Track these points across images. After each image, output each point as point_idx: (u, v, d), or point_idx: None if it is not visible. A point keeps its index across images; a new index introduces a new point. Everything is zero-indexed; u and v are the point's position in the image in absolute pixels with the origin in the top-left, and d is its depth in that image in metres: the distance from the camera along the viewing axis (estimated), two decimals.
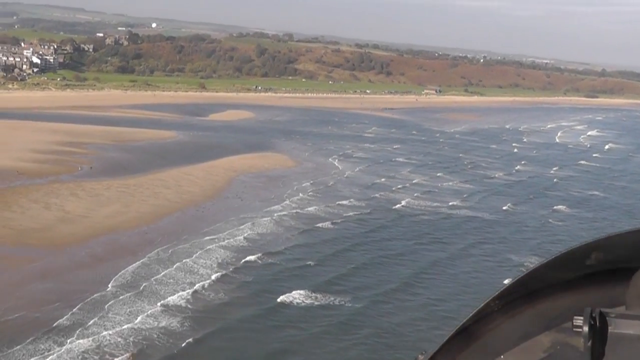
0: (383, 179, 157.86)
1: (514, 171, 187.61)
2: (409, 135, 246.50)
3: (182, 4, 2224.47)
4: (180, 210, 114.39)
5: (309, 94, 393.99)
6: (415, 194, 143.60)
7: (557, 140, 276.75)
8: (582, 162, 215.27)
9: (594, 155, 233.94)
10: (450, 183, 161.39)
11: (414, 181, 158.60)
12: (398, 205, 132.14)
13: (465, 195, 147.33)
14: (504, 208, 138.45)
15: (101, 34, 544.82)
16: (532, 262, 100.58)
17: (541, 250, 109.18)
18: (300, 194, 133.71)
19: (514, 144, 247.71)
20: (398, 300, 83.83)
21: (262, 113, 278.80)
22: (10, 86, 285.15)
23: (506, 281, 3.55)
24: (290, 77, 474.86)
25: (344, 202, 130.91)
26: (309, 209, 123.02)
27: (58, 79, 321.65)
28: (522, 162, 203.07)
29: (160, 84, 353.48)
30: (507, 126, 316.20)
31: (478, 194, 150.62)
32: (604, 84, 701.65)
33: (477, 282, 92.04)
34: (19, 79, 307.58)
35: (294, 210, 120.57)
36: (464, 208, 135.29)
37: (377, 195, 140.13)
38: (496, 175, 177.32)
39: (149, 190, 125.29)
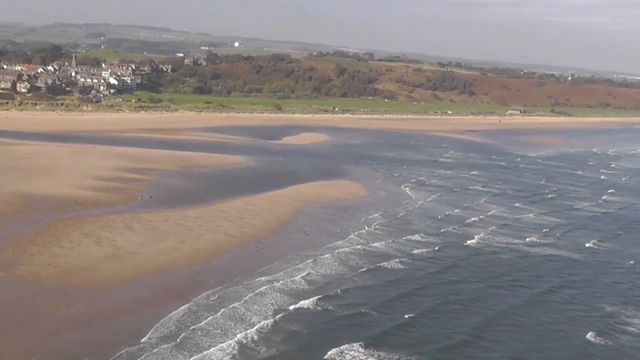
0: (457, 210, 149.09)
1: (600, 201, 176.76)
2: (489, 160, 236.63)
3: (265, 22, 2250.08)
4: (239, 246, 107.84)
5: (388, 115, 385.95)
6: (491, 228, 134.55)
7: None
8: None
9: None
10: (530, 215, 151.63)
11: (489, 212, 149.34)
12: (471, 241, 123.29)
13: (545, 230, 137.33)
14: (589, 245, 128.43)
15: (181, 54, 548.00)
16: (624, 311, 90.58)
17: (634, 297, 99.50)
18: (367, 227, 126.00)
19: (601, 170, 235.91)
20: (466, 357, 74.97)
21: (338, 136, 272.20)
22: (84, 108, 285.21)
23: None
24: (370, 97, 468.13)
25: (413, 236, 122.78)
26: (375, 244, 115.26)
27: (133, 100, 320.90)
28: (610, 191, 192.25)
29: (236, 105, 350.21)
30: (595, 150, 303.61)
31: (560, 228, 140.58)
32: None
33: (559, 336, 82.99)
34: (94, 100, 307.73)
35: (359, 247, 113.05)
36: (544, 245, 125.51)
37: (449, 228, 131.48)
38: (581, 206, 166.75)
39: (209, 223, 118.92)
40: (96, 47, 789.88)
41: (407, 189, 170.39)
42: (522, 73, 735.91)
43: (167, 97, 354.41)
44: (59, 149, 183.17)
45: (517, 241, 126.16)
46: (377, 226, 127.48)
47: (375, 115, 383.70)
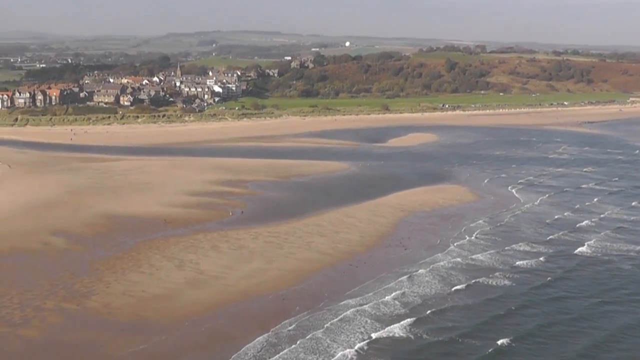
0: (567, 213, 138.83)
1: None
2: (606, 155, 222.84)
3: (376, 20, 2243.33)
4: (331, 264, 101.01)
5: (500, 110, 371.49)
6: (605, 232, 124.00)
7: None
8: None
9: None
10: None
11: (604, 214, 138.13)
12: (582, 249, 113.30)
13: None
14: None
15: (289, 58, 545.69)
16: None
17: None
18: (468, 237, 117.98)
19: None
20: None
21: (446, 135, 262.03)
22: (187, 119, 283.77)
23: None
24: (482, 92, 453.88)
25: (518, 246, 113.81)
26: (477, 256, 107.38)
27: (237, 108, 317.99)
28: None
29: (342, 107, 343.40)
30: None
31: None
32: None
33: None
34: (197, 110, 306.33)
35: (459, 259, 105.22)
36: None
37: (558, 235, 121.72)
38: None
39: (301, 239, 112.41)
40: (207, 54, 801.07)
41: (515, 190, 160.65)
42: None
43: (272, 102, 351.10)
44: (155, 164, 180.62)
45: (635, 247, 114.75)
46: (479, 235, 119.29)
47: (487, 111, 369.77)
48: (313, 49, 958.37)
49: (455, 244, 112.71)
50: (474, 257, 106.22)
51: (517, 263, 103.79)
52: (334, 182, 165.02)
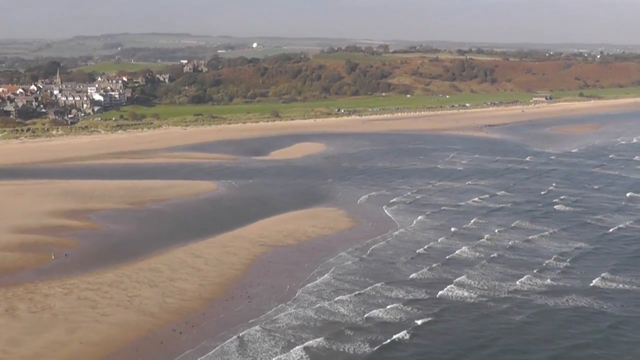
0: (442, 238, 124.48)
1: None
2: (504, 164, 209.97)
3: (287, 21, 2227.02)
4: (149, 332, 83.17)
5: (399, 114, 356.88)
6: (476, 266, 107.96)
7: None
8: None
9: None
10: (537, 238, 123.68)
11: (480, 239, 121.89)
12: (448, 289, 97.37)
13: (562, 263, 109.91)
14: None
15: (185, 61, 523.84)
16: None
17: None
18: (324, 277, 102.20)
19: None
20: None
21: (336, 144, 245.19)
22: (54, 133, 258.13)
23: None
24: (383, 94, 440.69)
25: (374, 289, 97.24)
26: (324, 304, 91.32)
27: (113, 119, 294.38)
28: None
29: (229, 114, 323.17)
30: (637, 140, 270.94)
31: (578, 258, 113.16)
32: None
33: None
34: (69, 122, 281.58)
35: (303, 311, 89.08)
36: (558, 292, 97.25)
37: (425, 270, 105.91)
38: (619, 226, 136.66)
39: (124, 292, 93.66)
40: (109, 58, 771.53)
41: (392, 211, 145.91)
42: (547, 55, 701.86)
43: (155, 111, 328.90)
44: None
45: (508, 285, 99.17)
46: (336, 275, 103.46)
47: (385, 115, 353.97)
48: (219, 51, 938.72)
49: (305, 289, 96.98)
50: (321, 306, 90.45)
51: (369, 313, 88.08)
52: (194, 208, 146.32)
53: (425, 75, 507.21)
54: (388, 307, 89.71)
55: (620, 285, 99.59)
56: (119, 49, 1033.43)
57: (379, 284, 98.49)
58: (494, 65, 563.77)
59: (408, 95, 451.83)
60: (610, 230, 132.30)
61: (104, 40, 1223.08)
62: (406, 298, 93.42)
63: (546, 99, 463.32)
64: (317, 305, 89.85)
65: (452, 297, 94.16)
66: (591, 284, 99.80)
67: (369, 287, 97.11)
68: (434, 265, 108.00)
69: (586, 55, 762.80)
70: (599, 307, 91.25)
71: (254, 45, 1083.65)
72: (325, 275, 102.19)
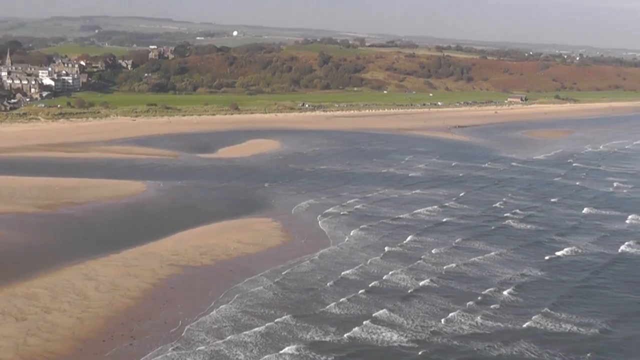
0: (375, 258, 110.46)
1: (609, 239, 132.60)
2: (468, 170, 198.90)
3: (271, 10, 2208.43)
4: None
5: (367, 111, 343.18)
6: (401, 297, 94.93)
7: None
8: None
9: None
10: (487, 270, 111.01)
11: (417, 261, 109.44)
12: (365, 325, 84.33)
13: (503, 297, 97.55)
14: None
15: (154, 47, 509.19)
16: None
17: None
18: (229, 305, 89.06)
19: (610, 179, 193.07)
20: None
21: (291, 142, 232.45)
22: None
23: None
24: (355, 89, 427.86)
25: (276, 323, 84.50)
26: (210, 348, 78.65)
27: (58, 106, 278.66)
28: (631, 217, 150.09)
29: (186, 105, 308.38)
30: (604, 147, 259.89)
31: (526, 301, 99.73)
32: None
33: None
34: (8, 107, 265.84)
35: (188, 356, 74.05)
36: (486, 337, 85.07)
37: (344, 300, 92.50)
38: (571, 248, 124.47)
39: None
40: (84, 40, 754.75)
41: (329, 223, 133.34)
42: (526, 55, 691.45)
43: (115, 98, 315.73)
44: None
45: (434, 326, 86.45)
46: (242, 304, 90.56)
47: (352, 112, 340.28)
48: (198, 38, 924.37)
49: (199, 324, 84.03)
50: (209, 348, 77.66)
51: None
52: (111, 214, 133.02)
53: (400, 71, 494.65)
54: (285, 349, 77.40)
55: (561, 326, 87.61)
56: (96, 31, 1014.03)
57: (287, 317, 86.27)
58: (471, 64, 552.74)
59: (385, 92, 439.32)
60: (561, 253, 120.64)
61: (82, 21, 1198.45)
62: (311, 339, 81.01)
63: (521, 99, 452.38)
64: (203, 348, 77.21)
65: (363, 338, 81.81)
66: (526, 324, 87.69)
67: (272, 322, 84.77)
68: (356, 293, 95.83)
69: (565, 57, 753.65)
70: (530, 357, 79.21)
71: (234, 33, 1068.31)
72: (227, 305, 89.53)
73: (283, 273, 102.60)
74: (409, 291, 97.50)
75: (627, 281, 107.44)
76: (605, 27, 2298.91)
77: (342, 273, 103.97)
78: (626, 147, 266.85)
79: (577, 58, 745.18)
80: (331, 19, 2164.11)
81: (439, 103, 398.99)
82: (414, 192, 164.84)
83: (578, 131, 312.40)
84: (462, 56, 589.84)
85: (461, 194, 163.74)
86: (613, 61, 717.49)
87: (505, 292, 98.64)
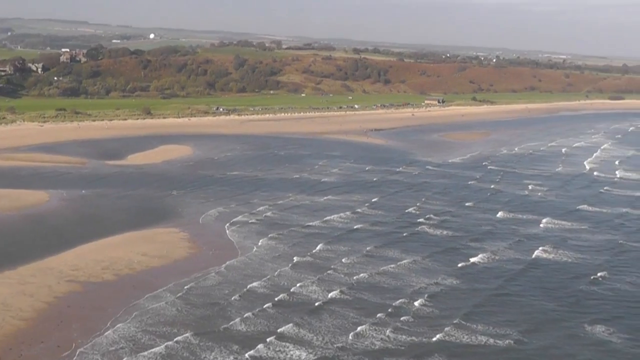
0: (284, 269, 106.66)
1: (523, 244, 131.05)
2: (383, 174, 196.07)
3: (190, 12, 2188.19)
4: None
5: (282, 114, 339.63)
6: (281, 325, 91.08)
7: (588, 169, 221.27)
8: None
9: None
10: (399, 279, 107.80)
11: (330, 270, 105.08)
12: (269, 349, 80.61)
13: (415, 307, 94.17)
14: None
15: (66, 50, 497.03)
16: None
17: None
18: (128, 323, 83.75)
19: (525, 181, 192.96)
20: None
21: (205, 147, 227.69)
22: None
23: None
24: (271, 92, 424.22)
25: (181, 343, 79.91)
26: None
27: None
28: (545, 220, 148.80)
29: (96, 110, 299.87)
30: (520, 149, 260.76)
31: (439, 311, 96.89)
32: (629, 83, 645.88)
33: None
34: None
35: None
36: (395, 352, 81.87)
37: (247, 324, 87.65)
38: (484, 254, 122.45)
39: None
40: None
41: (238, 233, 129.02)
42: (444, 57, 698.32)
43: (24, 102, 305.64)
44: None
45: (341, 341, 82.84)
46: (142, 322, 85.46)
47: (267, 115, 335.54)
48: (114, 41, 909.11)
49: (93, 346, 78.67)
50: None
51: None
52: (9, 226, 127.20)
53: (317, 73, 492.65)
54: None
55: (475, 338, 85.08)
56: (8, 34, 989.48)
57: (188, 335, 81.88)
58: (388, 66, 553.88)
59: (303, 95, 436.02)
60: (475, 259, 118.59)
61: None
62: (214, 358, 76.72)
63: (438, 102, 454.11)
64: None
65: (267, 357, 77.84)
66: (438, 336, 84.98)
67: (172, 341, 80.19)
68: (262, 307, 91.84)
69: (482, 58, 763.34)
70: None
71: (151, 36, 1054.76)
72: (125, 324, 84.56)
73: (186, 287, 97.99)
74: (317, 304, 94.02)
75: (542, 288, 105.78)
76: (521, 29, 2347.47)
77: (249, 286, 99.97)
78: (541, 148, 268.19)
79: (494, 60, 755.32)
80: (250, 21, 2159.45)
81: (356, 106, 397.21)
82: (326, 197, 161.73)
83: (495, 133, 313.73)
84: (379, 58, 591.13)
85: (374, 200, 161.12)
86: (529, 63, 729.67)
87: (417, 303, 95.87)
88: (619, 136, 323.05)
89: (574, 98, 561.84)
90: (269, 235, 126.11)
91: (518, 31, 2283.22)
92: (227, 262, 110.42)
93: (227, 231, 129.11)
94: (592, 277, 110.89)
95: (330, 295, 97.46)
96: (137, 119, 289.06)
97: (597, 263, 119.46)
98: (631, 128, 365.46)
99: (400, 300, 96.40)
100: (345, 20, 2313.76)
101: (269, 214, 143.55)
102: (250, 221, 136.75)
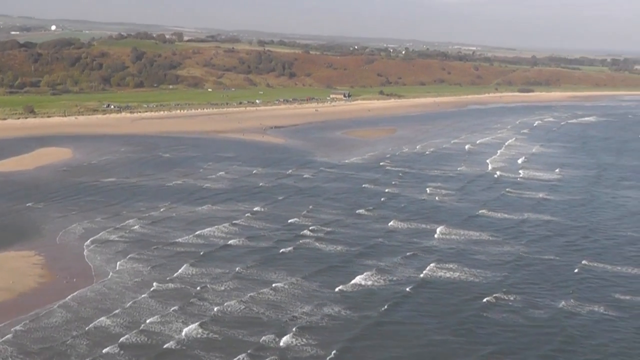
0: (140, 299, 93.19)
1: (414, 259, 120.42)
2: (276, 179, 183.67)
3: (94, 3, 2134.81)
4: None
5: (179, 111, 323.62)
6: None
7: (490, 168, 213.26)
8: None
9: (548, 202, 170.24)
10: (264, 311, 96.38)
11: (184, 300, 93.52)
12: None
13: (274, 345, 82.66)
14: None
15: None
16: None
17: None
18: None
19: (428, 184, 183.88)
20: None
21: (87, 149, 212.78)
22: None
23: None
24: (170, 86, 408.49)
25: None
26: None
27: None
28: (440, 229, 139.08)
29: None
30: (422, 147, 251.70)
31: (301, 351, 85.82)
32: (538, 75, 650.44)
33: None
34: None
35: None
36: None
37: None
38: (366, 273, 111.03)
39: None
40: None
41: (98, 253, 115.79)
42: (351, 49, 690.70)
43: None
44: None
45: None
46: None
47: (162, 112, 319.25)
48: (13, 32, 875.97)
49: None
50: None
51: None
52: None
53: (219, 67, 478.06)
54: None
55: None
56: None
57: None
58: (293, 59, 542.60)
59: (208, 89, 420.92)
60: (358, 279, 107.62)
61: None
62: None
63: (345, 96, 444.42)
64: None
65: None
66: None
67: None
68: (106, 348, 79.30)
69: (391, 51, 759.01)
70: None
71: (53, 27, 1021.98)
72: None
73: (18, 328, 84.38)
74: (170, 343, 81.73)
75: (431, 314, 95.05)
76: (430, 20, 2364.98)
77: (96, 321, 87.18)
78: (444, 146, 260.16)
79: (403, 52, 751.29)
80: (155, 13, 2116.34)
81: (257, 101, 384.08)
82: (202, 207, 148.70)
83: (401, 129, 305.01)
84: (284, 51, 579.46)
85: (256, 209, 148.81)
86: (438, 55, 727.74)
87: (286, 337, 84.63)
88: (525, 131, 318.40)
89: (484, 91, 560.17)
90: (129, 256, 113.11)
91: (428, 23, 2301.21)
92: (77, 292, 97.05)
93: (84, 252, 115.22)
94: (485, 300, 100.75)
95: (185, 331, 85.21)
96: (19, 118, 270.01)
97: (496, 280, 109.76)
98: (537, 122, 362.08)
99: (267, 335, 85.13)
100: (254, 12, 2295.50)
101: (136, 227, 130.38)
102: (112, 238, 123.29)
